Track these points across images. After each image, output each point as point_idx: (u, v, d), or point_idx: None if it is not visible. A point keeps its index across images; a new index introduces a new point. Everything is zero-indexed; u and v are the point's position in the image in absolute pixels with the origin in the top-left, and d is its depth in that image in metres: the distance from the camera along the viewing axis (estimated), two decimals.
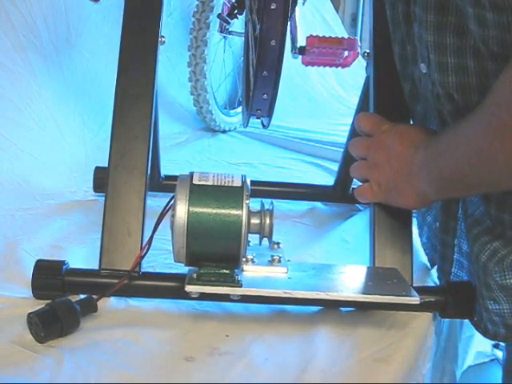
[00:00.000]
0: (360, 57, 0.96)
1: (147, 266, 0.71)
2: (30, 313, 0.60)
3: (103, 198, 0.71)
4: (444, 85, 0.62)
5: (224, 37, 1.58)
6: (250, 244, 0.63)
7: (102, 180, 0.90)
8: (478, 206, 0.67)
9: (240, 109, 1.60)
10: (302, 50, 1.01)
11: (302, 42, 1.03)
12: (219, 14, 1.42)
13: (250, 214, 0.60)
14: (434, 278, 0.80)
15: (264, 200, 0.63)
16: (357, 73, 1.58)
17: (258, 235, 0.62)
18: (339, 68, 1.08)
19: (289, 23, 0.74)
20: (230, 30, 1.53)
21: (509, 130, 0.50)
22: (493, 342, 1.11)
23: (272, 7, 0.70)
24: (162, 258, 0.76)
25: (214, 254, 0.60)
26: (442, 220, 0.73)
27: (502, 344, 0.91)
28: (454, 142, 0.58)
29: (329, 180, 1.12)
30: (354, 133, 0.87)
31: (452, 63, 0.60)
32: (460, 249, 0.72)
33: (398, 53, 0.72)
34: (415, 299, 0.62)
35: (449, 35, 0.59)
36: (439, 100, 0.64)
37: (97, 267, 0.68)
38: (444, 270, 0.75)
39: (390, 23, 0.71)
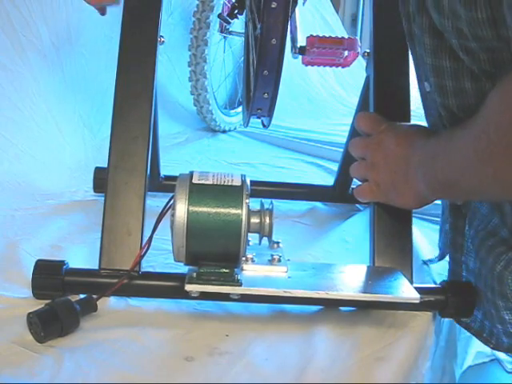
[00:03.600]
0: (360, 57, 0.96)
1: (147, 265, 0.71)
2: (29, 313, 0.60)
3: (103, 198, 0.71)
4: (445, 106, 0.62)
5: (224, 37, 1.58)
6: (250, 243, 0.63)
7: (101, 180, 0.90)
8: (490, 218, 0.67)
9: (240, 109, 1.60)
10: (302, 50, 1.01)
11: (302, 41, 1.03)
12: (219, 13, 1.42)
13: (250, 213, 0.60)
14: (433, 278, 0.80)
15: (264, 200, 0.63)
16: (357, 73, 1.58)
17: (257, 234, 0.62)
18: (339, 68, 1.08)
19: (289, 23, 0.74)
20: (230, 30, 1.53)
21: (496, 148, 0.51)
22: None
23: (272, 6, 0.70)
24: (162, 258, 0.76)
25: (214, 253, 0.60)
26: (452, 237, 0.73)
27: None
28: (448, 148, 0.59)
29: (329, 180, 1.12)
30: (354, 133, 0.87)
31: (450, 86, 0.61)
32: (467, 266, 0.72)
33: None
34: (415, 298, 0.62)
35: (445, 58, 0.60)
36: (442, 119, 0.65)
37: (97, 267, 0.68)
38: (455, 272, 0.75)
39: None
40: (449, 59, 0.59)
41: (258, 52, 0.74)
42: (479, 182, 0.55)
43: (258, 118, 0.88)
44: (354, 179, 0.93)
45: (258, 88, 0.77)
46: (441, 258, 0.81)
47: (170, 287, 0.67)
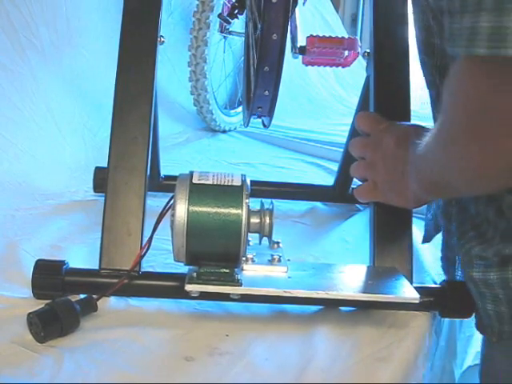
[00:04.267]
0: (360, 57, 0.96)
1: (147, 265, 0.71)
2: (29, 313, 0.59)
3: (103, 198, 0.71)
4: (436, 67, 0.63)
5: (224, 37, 1.58)
6: (250, 243, 0.63)
7: (101, 180, 0.90)
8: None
9: (240, 109, 1.60)
10: (302, 50, 1.01)
11: (302, 41, 1.03)
12: (219, 13, 1.42)
13: (250, 213, 0.60)
14: (433, 278, 0.80)
15: (264, 200, 0.63)
16: (357, 73, 1.58)
17: (257, 234, 0.62)
18: (339, 68, 1.08)
19: (289, 20, 0.74)
20: (230, 30, 1.53)
21: (451, 140, 0.52)
22: None
23: (273, 1, 0.70)
24: (162, 258, 0.76)
25: (214, 253, 0.60)
26: (444, 207, 0.72)
27: None
28: (430, 145, 0.59)
29: (329, 180, 1.12)
30: (354, 133, 0.87)
31: (438, 44, 0.62)
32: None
33: None
34: (415, 298, 0.62)
35: (430, 18, 0.61)
36: (434, 86, 0.66)
37: (97, 267, 0.68)
38: (449, 271, 0.75)
39: None
40: (432, 19, 0.60)
41: (258, 47, 0.73)
42: (449, 179, 0.56)
43: (258, 117, 0.87)
44: (354, 179, 0.93)
45: (259, 86, 0.77)
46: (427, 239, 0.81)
47: (170, 287, 0.67)
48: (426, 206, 0.80)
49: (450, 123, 0.53)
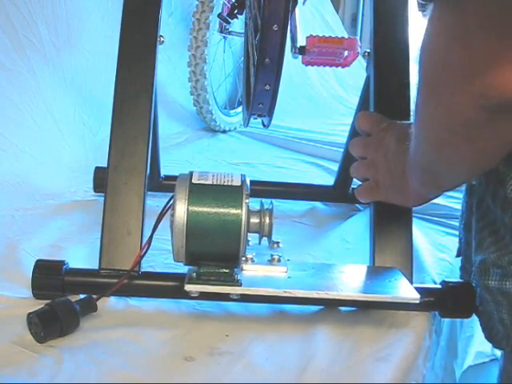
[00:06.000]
0: (360, 57, 0.96)
1: (147, 265, 0.71)
2: (29, 313, 0.60)
3: (103, 198, 0.71)
4: None
5: (224, 37, 1.58)
6: (250, 243, 0.63)
7: (101, 180, 0.90)
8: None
9: (240, 109, 1.60)
10: (301, 50, 1.01)
11: (301, 41, 1.03)
12: (219, 13, 1.42)
13: (250, 213, 0.60)
14: (433, 278, 0.80)
15: (264, 200, 0.63)
16: (357, 73, 1.58)
17: (257, 234, 0.62)
18: (339, 68, 1.08)
19: (289, 16, 0.74)
20: (230, 30, 1.53)
21: (422, 103, 0.52)
22: None
23: None
24: (162, 258, 0.76)
25: (214, 253, 0.60)
26: (466, 217, 0.72)
27: None
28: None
29: (329, 180, 1.12)
30: (354, 133, 0.87)
31: None
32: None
33: None
34: (415, 298, 0.62)
35: None
36: None
37: (97, 267, 0.68)
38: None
39: None
40: None
41: (259, 39, 0.73)
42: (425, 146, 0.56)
43: (257, 118, 0.87)
44: (354, 179, 0.93)
45: (260, 80, 0.76)
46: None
47: (169, 287, 0.67)
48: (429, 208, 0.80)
49: (418, 88, 0.51)
